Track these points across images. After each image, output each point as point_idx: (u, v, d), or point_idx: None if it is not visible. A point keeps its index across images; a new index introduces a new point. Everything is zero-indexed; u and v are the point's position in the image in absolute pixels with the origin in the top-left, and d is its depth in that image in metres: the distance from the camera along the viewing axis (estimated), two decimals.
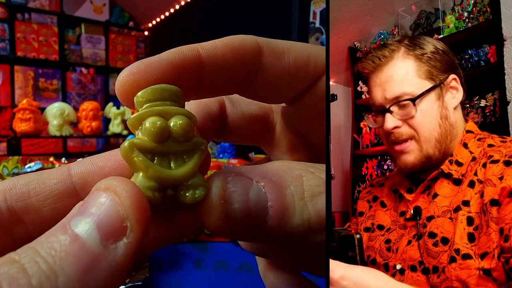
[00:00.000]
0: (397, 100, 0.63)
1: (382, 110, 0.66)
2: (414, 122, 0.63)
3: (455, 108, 0.66)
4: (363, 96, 2.26)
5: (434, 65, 0.64)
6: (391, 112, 0.64)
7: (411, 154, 0.65)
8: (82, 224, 0.15)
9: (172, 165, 0.19)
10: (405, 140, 0.65)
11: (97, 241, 0.15)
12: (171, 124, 0.19)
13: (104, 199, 0.16)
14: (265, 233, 0.17)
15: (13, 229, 0.19)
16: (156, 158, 0.19)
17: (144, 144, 0.19)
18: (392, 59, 0.65)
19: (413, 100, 0.62)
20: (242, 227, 0.17)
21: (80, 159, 0.21)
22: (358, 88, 2.28)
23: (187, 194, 0.19)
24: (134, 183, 0.17)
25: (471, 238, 0.56)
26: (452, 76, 0.65)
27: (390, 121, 0.64)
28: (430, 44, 0.65)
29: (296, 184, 0.17)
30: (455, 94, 0.66)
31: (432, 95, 0.64)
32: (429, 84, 0.64)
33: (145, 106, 0.20)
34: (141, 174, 0.18)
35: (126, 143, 0.19)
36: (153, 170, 0.18)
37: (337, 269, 0.49)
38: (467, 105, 1.61)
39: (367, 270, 0.52)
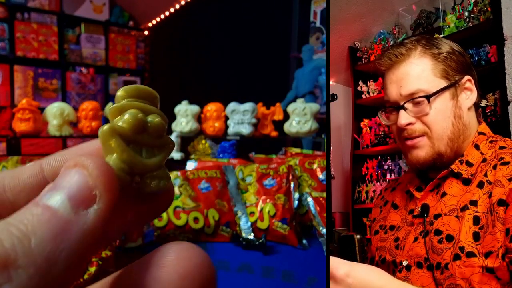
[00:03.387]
0: (412, 96, 0.64)
1: (396, 107, 0.67)
2: (428, 119, 0.64)
3: (469, 109, 0.66)
4: (363, 96, 2.26)
5: (450, 64, 0.65)
6: (405, 109, 0.65)
7: (423, 150, 0.65)
8: (54, 197, 0.16)
9: (143, 155, 0.21)
10: (418, 136, 0.65)
11: (68, 209, 0.16)
12: (149, 119, 0.21)
13: (73, 173, 0.17)
14: None
15: None
16: (130, 146, 0.20)
17: (123, 131, 0.20)
18: (409, 57, 0.66)
19: (428, 97, 0.63)
20: None
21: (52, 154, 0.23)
22: (358, 88, 2.28)
23: (152, 183, 0.21)
24: (100, 158, 0.18)
25: (476, 237, 0.57)
26: (467, 77, 0.66)
27: (404, 117, 0.65)
28: (447, 45, 0.67)
29: None
30: (469, 95, 0.66)
31: (447, 94, 0.64)
32: (444, 83, 0.64)
33: (126, 100, 0.21)
34: (114, 155, 0.20)
35: (106, 127, 0.20)
36: (127, 155, 0.20)
37: (342, 266, 0.50)
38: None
39: (371, 269, 0.52)
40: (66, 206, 0.16)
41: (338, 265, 0.50)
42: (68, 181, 0.17)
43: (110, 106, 0.22)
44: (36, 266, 0.14)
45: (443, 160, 0.65)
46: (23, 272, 0.14)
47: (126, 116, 0.20)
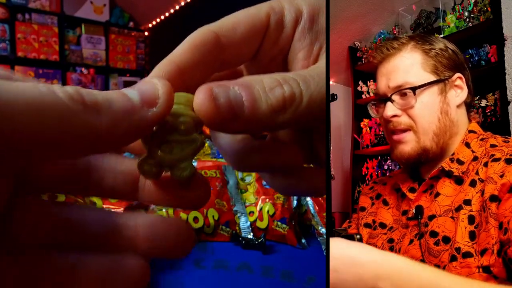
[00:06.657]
0: (399, 88, 0.64)
1: (384, 99, 0.67)
2: (414, 113, 0.64)
3: (458, 107, 0.66)
4: (363, 96, 2.26)
5: (441, 61, 0.65)
6: (392, 101, 0.65)
7: (408, 145, 0.65)
8: (131, 91, 0.22)
9: (174, 150, 0.26)
10: (403, 130, 0.65)
11: (138, 101, 0.22)
12: (180, 120, 0.25)
13: (148, 83, 0.23)
14: (245, 120, 0.24)
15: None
16: (163, 144, 0.26)
17: (156, 134, 0.26)
18: (400, 50, 0.66)
19: (414, 89, 0.63)
20: (228, 115, 0.24)
21: None
22: (358, 88, 2.28)
23: (176, 172, 0.26)
24: (167, 81, 0.24)
25: (472, 236, 0.57)
26: (458, 74, 0.66)
27: (390, 109, 0.65)
28: (441, 43, 0.67)
29: (259, 84, 0.24)
30: (459, 93, 0.66)
31: (435, 89, 0.64)
32: (433, 78, 0.65)
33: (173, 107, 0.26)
34: (146, 153, 0.26)
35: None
36: (153, 152, 0.25)
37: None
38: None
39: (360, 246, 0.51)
40: (137, 98, 0.22)
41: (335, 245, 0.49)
42: (143, 86, 0.23)
43: None
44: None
45: (428, 155, 0.65)
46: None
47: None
